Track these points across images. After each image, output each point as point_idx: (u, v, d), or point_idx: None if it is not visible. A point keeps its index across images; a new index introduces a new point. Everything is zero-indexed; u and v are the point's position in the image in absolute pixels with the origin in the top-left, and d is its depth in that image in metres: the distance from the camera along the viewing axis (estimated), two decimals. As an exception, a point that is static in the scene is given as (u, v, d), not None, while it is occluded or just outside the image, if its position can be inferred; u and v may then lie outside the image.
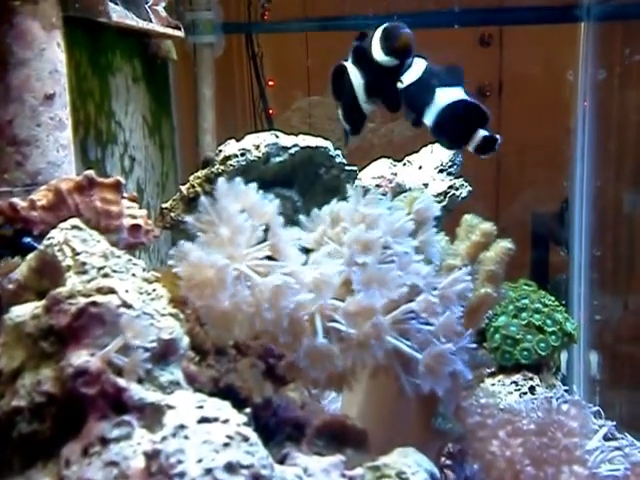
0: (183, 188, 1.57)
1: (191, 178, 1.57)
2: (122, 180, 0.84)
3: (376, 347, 0.63)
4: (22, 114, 0.91)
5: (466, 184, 1.74)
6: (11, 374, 0.54)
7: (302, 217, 0.73)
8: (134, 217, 0.85)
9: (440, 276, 0.67)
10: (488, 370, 1.33)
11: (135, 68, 2.09)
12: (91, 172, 0.81)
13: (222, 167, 1.49)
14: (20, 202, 0.77)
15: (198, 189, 1.54)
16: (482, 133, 0.87)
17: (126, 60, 2.01)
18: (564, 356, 1.64)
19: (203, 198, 0.64)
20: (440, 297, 0.63)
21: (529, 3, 2.43)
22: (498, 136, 0.88)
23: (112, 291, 0.55)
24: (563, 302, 1.52)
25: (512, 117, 2.77)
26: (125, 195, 0.86)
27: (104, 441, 0.50)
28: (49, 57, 0.93)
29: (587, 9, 2.12)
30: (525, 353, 1.38)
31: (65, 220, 0.70)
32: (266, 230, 0.67)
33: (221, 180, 0.66)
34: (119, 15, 1.26)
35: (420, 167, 1.89)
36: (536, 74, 2.66)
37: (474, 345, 0.66)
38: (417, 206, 0.74)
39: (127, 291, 0.56)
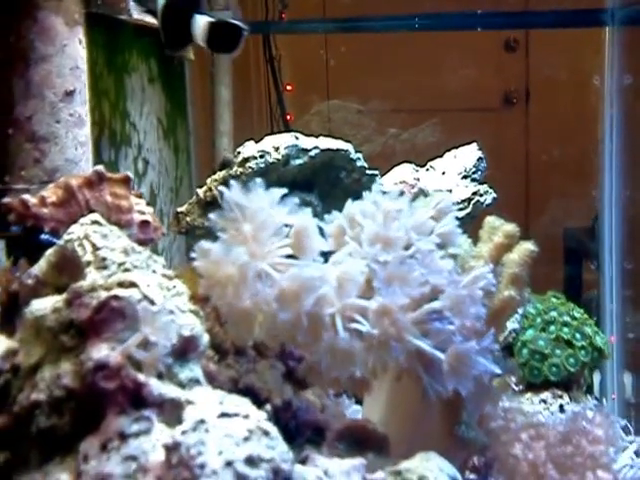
0: (200, 191, 1.59)
1: (208, 181, 1.59)
2: (131, 175, 0.86)
3: (397, 348, 0.65)
4: (42, 110, 0.94)
5: (490, 190, 1.75)
6: (30, 368, 0.56)
7: (324, 217, 0.74)
8: (142, 213, 0.87)
9: (462, 276, 0.68)
10: (516, 386, 1.33)
11: (151, 68, 2.12)
12: (100, 167, 0.83)
13: (240, 169, 1.51)
14: (31, 199, 0.80)
15: (215, 192, 1.55)
16: (204, 19, 1.19)
17: (142, 60, 2.05)
18: (597, 378, 1.63)
19: (227, 194, 0.66)
20: (462, 296, 0.64)
21: (555, 6, 2.43)
22: (237, 22, 1.18)
23: (134, 285, 0.57)
24: (595, 319, 1.52)
25: (540, 125, 2.76)
26: (132, 192, 0.89)
27: (123, 436, 0.52)
28: (70, 53, 0.96)
29: (611, 13, 2.13)
30: (554, 369, 1.37)
31: (75, 216, 0.72)
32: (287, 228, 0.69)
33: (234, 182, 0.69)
34: (139, 13, 1.29)
35: (443, 173, 1.90)
36: (565, 80, 2.65)
37: (497, 346, 0.68)
38: (437, 205, 0.75)
39: (149, 286, 0.58)
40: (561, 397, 1.37)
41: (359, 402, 0.85)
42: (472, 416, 0.75)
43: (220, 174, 1.59)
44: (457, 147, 1.88)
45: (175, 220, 1.58)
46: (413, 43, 2.67)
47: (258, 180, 0.69)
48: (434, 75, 2.72)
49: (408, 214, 0.72)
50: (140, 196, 0.89)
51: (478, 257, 0.76)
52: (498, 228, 0.77)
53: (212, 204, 1.55)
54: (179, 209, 1.61)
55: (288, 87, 2.77)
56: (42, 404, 0.53)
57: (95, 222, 0.66)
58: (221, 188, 0.68)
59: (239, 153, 1.57)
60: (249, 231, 0.66)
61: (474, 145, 1.84)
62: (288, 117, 2.69)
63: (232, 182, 0.68)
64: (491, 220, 0.80)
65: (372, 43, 2.69)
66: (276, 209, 0.66)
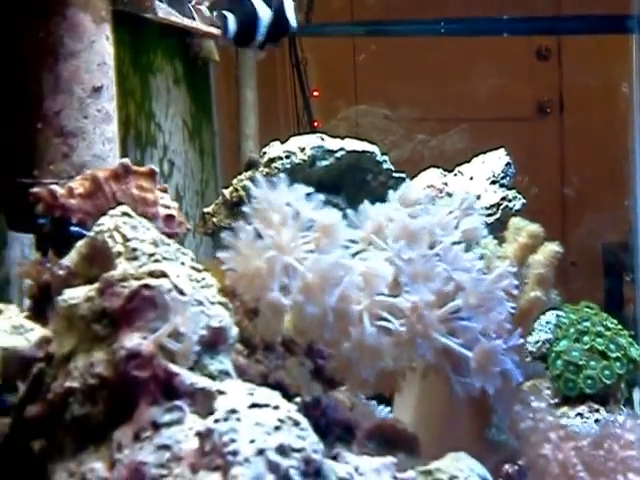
0: (226, 192, 1.61)
1: (234, 181, 1.61)
2: (156, 169, 0.88)
3: (424, 345, 0.65)
4: (70, 105, 0.96)
5: (519, 196, 1.74)
6: (63, 357, 0.58)
7: (350, 213, 0.75)
8: (167, 207, 0.88)
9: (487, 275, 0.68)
10: (551, 399, 1.32)
11: (176, 69, 2.14)
12: (126, 160, 0.85)
13: (266, 169, 1.52)
14: (59, 189, 0.81)
15: (242, 193, 1.57)
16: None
17: (167, 60, 2.07)
18: (637, 395, 1.60)
19: (253, 189, 0.67)
20: (487, 293, 0.65)
21: (587, 12, 2.42)
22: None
23: (164, 275, 0.58)
24: (632, 333, 1.50)
25: (575, 135, 2.72)
26: (157, 186, 0.90)
27: (156, 426, 0.52)
28: (98, 50, 0.98)
29: (638, 20, 2.11)
30: (589, 381, 1.36)
31: (102, 208, 0.74)
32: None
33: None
34: (164, 12, 1.32)
35: (471, 178, 1.90)
36: (598, 88, 2.62)
37: (525, 345, 0.68)
38: (461, 203, 0.76)
39: (178, 276, 0.59)
40: (597, 411, 1.35)
41: (386, 403, 0.85)
42: (502, 419, 0.75)
43: (246, 174, 1.61)
44: (485, 153, 1.87)
45: (201, 221, 1.60)
46: (443, 49, 2.67)
47: (283, 176, 0.70)
48: (464, 83, 2.71)
49: (432, 212, 0.73)
50: (165, 190, 0.91)
51: (503, 257, 0.76)
52: (522, 229, 0.78)
53: (238, 205, 1.57)
54: (205, 210, 1.63)
55: (315, 92, 2.77)
56: (76, 392, 0.54)
57: (125, 214, 0.68)
58: (247, 183, 0.69)
59: (265, 153, 1.58)
60: (276, 225, 0.67)
61: (502, 150, 1.84)
62: (316, 124, 2.68)
63: (259, 178, 0.70)
64: (516, 221, 0.81)
65: (401, 48, 2.69)
66: (302, 204, 0.67)
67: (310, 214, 0.67)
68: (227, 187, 1.64)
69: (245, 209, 0.68)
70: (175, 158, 2.04)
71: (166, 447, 0.51)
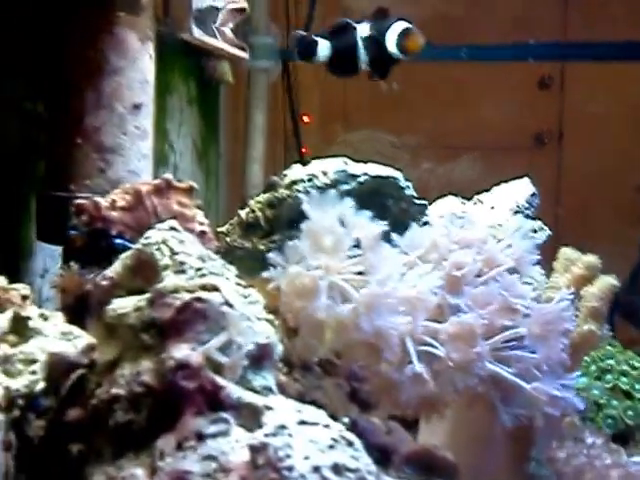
0: (242, 212, 1.60)
1: (251, 202, 1.60)
2: (195, 185, 0.89)
3: (474, 373, 0.65)
4: (110, 121, 0.97)
5: (545, 227, 1.74)
6: (107, 365, 0.58)
7: (395, 236, 0.75)
8: (202, 224, 0.89)
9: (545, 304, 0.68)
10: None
11: (190, 89, 2.16)
12: (169, 175, 0.86)
13: (287, 192, 1.52)
14: (102, 201, 0.82)
15: (258, 214, 1.57)
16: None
17: (183, 80, 2.09)
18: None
19: (306, 206, 0.67)
20: (550, 323, 0.64)
21: (595, 39, 2.41)
22: None
23: (216, 289, 0.58)
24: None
25: (574, 168, 2.70)
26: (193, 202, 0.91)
27: (200, 436, 0.52)
28: (141, 67, 0.99)
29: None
30: (610, 421, 1.33)
31: (142, 221, 0.74)
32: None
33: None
34: (198, 33, 1.34)
35: (492, 207, 1.90)
36: (601, 120, 2.59)
37: (574, 380, 0.67)
38: (514, 231, 0.76)
39: (229, 291, 0.59)
40: (617, 452, 1.33)
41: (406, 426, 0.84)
42: (541, 453, 0.74)
43: (264, 196, 1.60)
44: (507, 181, 1.86)
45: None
46: (444, 76, 2.66)
47: (332, 192, 0.70)
48: (465, 111, 2.70)
49: (482, 239, 0.73)
50: (199, 207, 0.92)
51: (555, 288, 0.76)
52: (576, 260, 0.77)
53: (254, 226, 1.57)
54: (219, 229, 1.63)
55: (305, 118, 2.76)
56: (121, 399, 0.54)
57: (172, 228, 0.68)
58: (302, 196, 0.70)
59: (285, 175, 1.58)
60: (324, 244, 0.67)
61: (526, 180, 1.83)
62: (303, 150, 2.65)
63: (309, 194, 0.70)
64: (567, 252, 0.81)
65: (400, 75, 2.69)
66: (352, 221, 0.68)
67: (361, 232, 0.67)
68: (243, 207, 1.64)
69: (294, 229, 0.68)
70: (184, 178, 2.05)
71: (212, 458, 0.50)
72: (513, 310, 0.66)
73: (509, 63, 2.65)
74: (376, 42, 1.16)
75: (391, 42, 1.16)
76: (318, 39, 1.27)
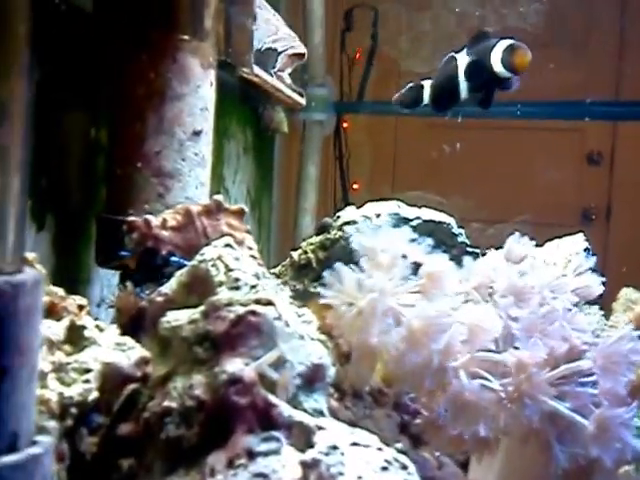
0: (294, 254, 1.61)
1: (303, 244, 1.61)
2: (245, 208, 0.89)
3: (531, 407, 0.62)
4: (170, 147, 0.99)
5: (599, 282, 1.70)
6: (160, 379, 0.57)
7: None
8: (250, 248, 0.89)
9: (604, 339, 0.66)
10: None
11: (247, 137, 2.20)
12: (220, 197, 0.86)
13: (340, 233, 1.52)
14: (154, 220, 0.83)
15: (310, 255, 1.57)
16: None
17: (240, 128, 2.13)
18: None
19: (361, 229, 0.67)
20: (615, 357, 0.62)
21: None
22: None
23: (270, 303, 0.57)
24: None
25: (621, 246, 2.62)
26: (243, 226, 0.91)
27: (251, 454, 0.51)
28: (202, 94, 1.01)
29: None
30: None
31: (192, 242, 0.75)
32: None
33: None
34: (258, 69, 1.36)
35: (545, 262, 1.86)
36: None
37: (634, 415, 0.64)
38: (575, 268, 0.74)
39: (283, 307, 0.58)
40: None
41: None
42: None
43: (317, 238, 1.61)
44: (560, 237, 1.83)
45: (266, 281, 1.60)
46: (493, 145, 2.66)
47: (387, 219, 0.70)
48: (512, 183, 2.68)
49: (542, 272, 0.72)
50: (249, 232, 0.92)
51: (615, 327, 0.74)
52: (637, 299, 0.75)
53: (306, 267, 1.57)
54: (271, 270, 1.63)
55: (355, 185, 2.78)
56: (173, 412, 0.53)
57: (228, 245, 0.68)
58: (349, 229, 0.69)
59: (339, 217, 1.59)
60: (381, 268, 0.66)
61: (580, 235, 1.80)
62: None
63: (361, 223, 0.70)
64: (628, 292, 0.79)
65: (444, 141, 2.68)
66: (410, 248, 0.67)
67: (419, 258, 0.66)
68: (295, 249, 1.64)
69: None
70: (237, 226, 2.07)
71: (263, 475, 0.49)
72: (573, 344, 0.64)
73: (558, 137, 2.65)
74: (477, 66, 1.08)
75: (496, 61, 1.08)
76: (424, 82, 1.24)
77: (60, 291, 0.67)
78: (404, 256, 0.66)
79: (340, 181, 2.78)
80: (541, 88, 2.56)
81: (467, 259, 0.72)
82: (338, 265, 0.66)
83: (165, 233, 0.83)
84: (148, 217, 0.82)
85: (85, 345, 0.60)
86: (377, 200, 1.54)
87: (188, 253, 0.80)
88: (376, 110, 2.81)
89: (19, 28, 0.38)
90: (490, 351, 0.65)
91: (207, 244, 0.72)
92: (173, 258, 0.75)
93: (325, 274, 0.66)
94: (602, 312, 0.81)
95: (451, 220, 1.60)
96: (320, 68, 2.48)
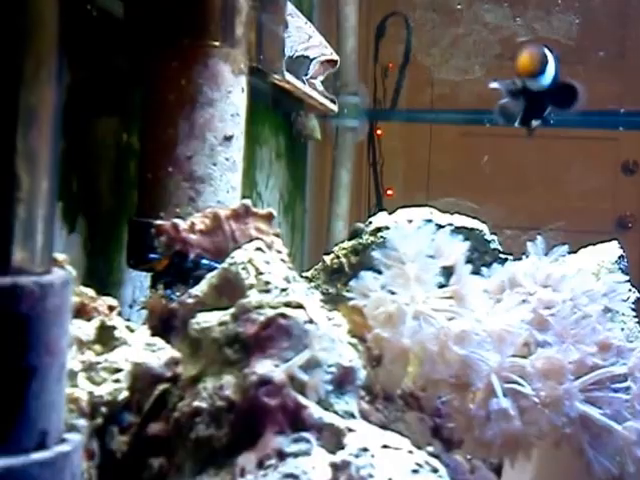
0: (327, 258, 1.61)
1: (336, 249, 1.61)
2: (274, 212, 0.89)
3: (563, 412, 0.61)
4: (201, 152, 1.00)
5: (634, 289, 1.67)
6: (191, 379, 0.58)
7: (483, 270, 0.74)
8: (279, 252, 0.88)
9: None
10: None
11: (279, 143, 2.21)
12: (248, 201, 0.86)
13: (372, 238, 1.52)
14: (182, 223, 0.83)
15: (343, 260, 1.57)
16: None
17: (273, 134, 2.15)
18: None
19: (391, 233, 0.66)
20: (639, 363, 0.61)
21: None
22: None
23: (300, 307, 0.57)
24: None
25: None
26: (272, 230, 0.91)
27: (281, 455, 0.51)
28: (233, 100, 1.02)
29: None
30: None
31: (220, 245, 0.75)
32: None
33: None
34: (290, 76, 1.37)
35: (578, 268, 1.84)
36: None
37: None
38: (605, 274, 0.73)
39: (314, 310, 0.58)
40: None
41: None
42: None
43: (349, 243, 1.61)
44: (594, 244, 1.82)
45: (299, 285, 1.60)
46: (527, 153, 2.65)
47: (419, 225, 0.70)
48: (546, 191, 2.68)
49: (575, 278, 0.71)
50: (278, 235, 0.92)
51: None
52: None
53: (338, 271, 1.58)
54: (303, 274, 1.63)
55: (389, 192, 2.78)
56: (203, 412, 0.54)
57: (258, 248, 0.68)
58: (381, 234, 0.69)
59: (371, 223, 1.59)
60: (411, 273, 0.66)
61: (615, 243, 1.78)
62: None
63: (394, 226, 0.69)
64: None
65: (478, 148, 2.67)
66: (443, 252, 0.66)
67: (450, 261, 0.66)
68: (328, 253, 1.64)
69: (380, 255, 0.67)
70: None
71: (293, 476, 0.49)
72: (606, 347, 0.63)
73: (593, 146, 2.63)
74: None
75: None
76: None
77: (90, 292, 0.67)
78: (433, 260, 0.66)
79: (374, 187, 2.78)
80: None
81: (499, 265, 0.72)
82: (364, 273, 0.66)
83: (193, 236, 0.83)
84: (176, 221, 0.83)
85: (115, 345, 0.61)
86: (410, 206, 1.55)
87: (216, 257, 0.80)
88: (410, 118, 2.81)
89: (49, 33, 0.39)
90: (520, 356, 0.64)
91: (235, 248, 0.72)
92: (204, 261, 0.76)
93: (352, 283, 0.66)
94: (636, 319, 0.80)
95: (483, 227, 1.60)
96: (353, 75, 2.49)
